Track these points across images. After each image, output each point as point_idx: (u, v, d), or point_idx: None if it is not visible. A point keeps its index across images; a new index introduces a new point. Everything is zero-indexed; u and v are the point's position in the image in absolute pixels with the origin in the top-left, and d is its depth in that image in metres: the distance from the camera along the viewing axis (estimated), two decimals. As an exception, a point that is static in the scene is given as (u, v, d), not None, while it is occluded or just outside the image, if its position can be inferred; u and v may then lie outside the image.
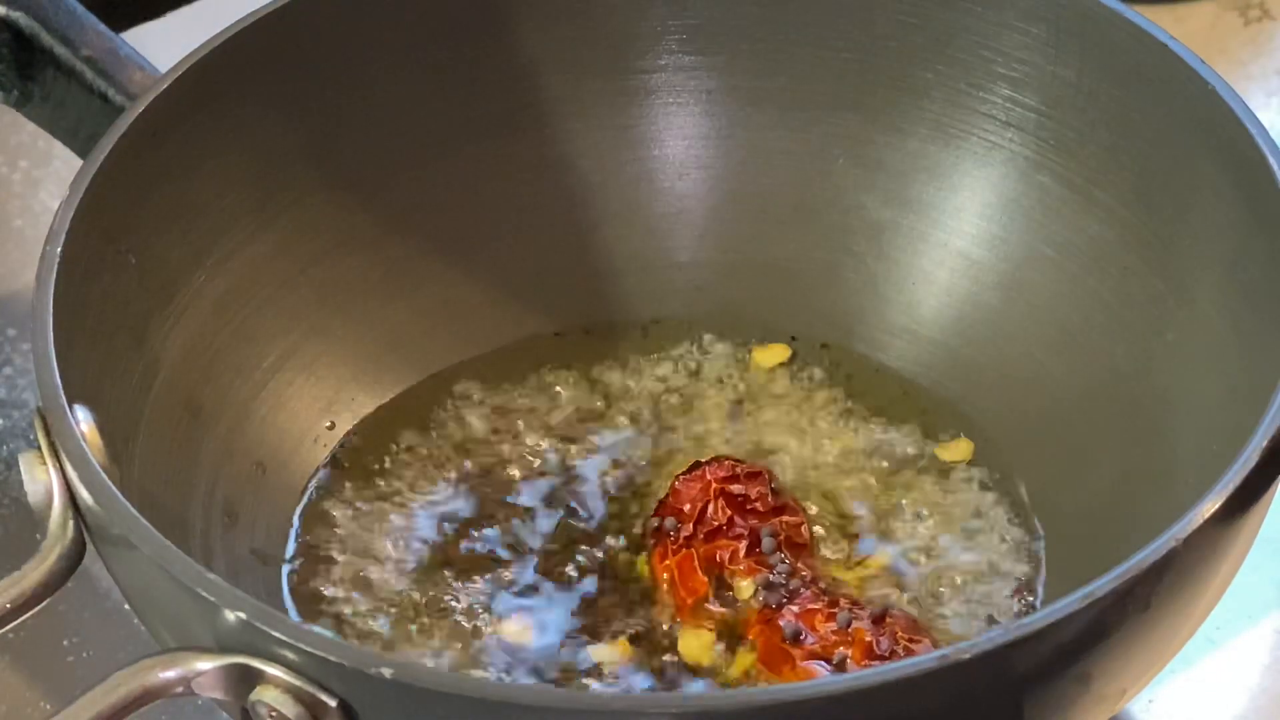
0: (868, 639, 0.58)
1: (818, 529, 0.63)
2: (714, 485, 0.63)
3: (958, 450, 0.65)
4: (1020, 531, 0.63)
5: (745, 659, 0.60)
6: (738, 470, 0.63)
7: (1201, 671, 0.64)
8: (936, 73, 0.67)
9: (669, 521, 0.62)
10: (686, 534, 0.62)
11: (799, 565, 0.61)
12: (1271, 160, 0.57)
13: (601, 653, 0.60)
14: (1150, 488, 0.59)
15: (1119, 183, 0.64)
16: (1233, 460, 0.51)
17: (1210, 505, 0.50)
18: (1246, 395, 0.54)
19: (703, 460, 0.64)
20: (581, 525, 0.64)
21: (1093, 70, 0.64)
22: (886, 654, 0.58)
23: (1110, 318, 0.64)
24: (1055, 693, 0.50)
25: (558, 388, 0.68)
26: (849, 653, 0.58)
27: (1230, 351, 0.59)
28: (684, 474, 0.64)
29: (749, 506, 0.62)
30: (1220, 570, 0.52)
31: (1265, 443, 0.51)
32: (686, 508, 0.62)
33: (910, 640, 0.58)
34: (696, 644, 0.60)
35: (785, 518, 0.62)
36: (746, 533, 0.62)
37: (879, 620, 0.59)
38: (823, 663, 0.58)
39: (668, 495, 0.63)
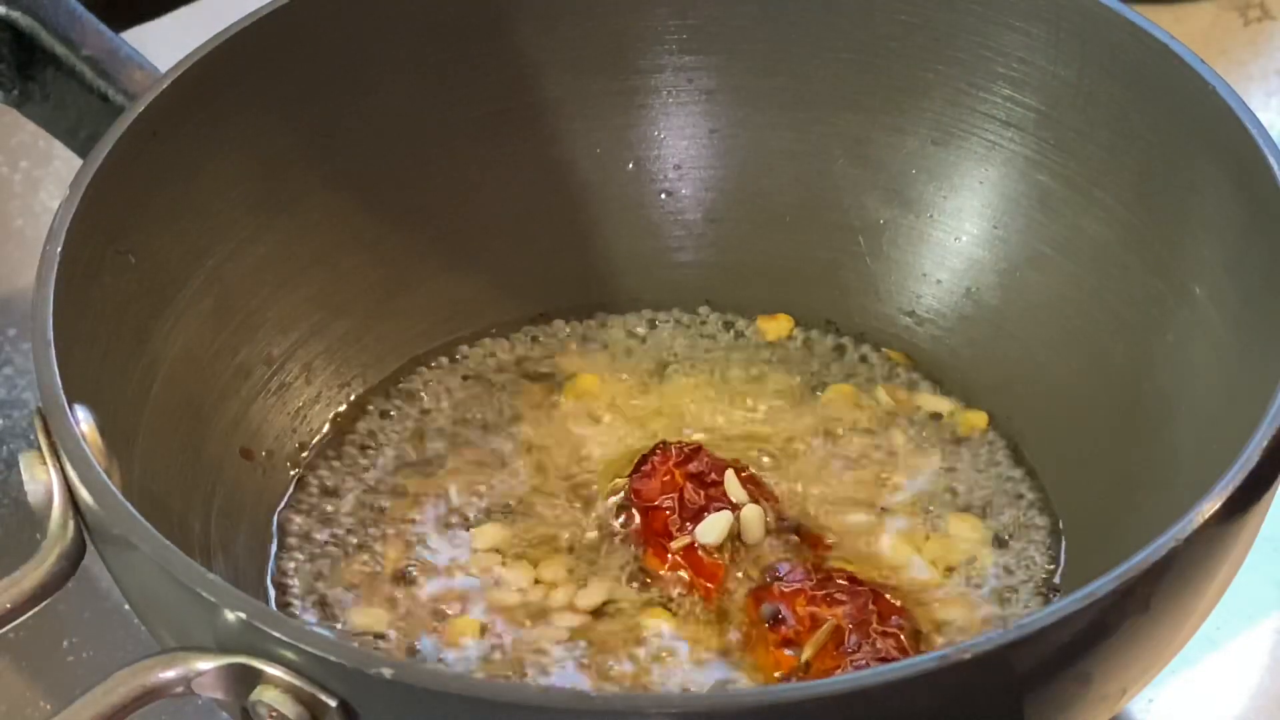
0: (841, 627, 0.58)
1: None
2: (675, 471, 0.62)
3: (973, 419, 0.66)
4: (1027, 530, 0.63)
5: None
6: (684, 449, 0.63)
7: (1201, 671, 0.64)
8: (937, 72, 0.67)
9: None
10: (675, 526, 0.62)
11: (800, 541, 0.61)
12: (1271, 160, 0.57)
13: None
14: (1150, 487, 0.59)
15: (1119, 183, 0.64)
16: (1233, 460, 0.51)
17: (1210, 505, 0.50)
18: (1246, 395, 0.54)
19: (646, 453, 0.64)
20: (583, 519, 0.64)
21: (1093, 70, 0.64)
22: (854, 649, 0.58)
23: (1110, 318, 0.64)
24: (1055, 693, 0.50)
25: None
26: (815, 638, 0.58)
27: (1230, 351, 0.59)
28: (634, 472, 0.63)
29: (711, 479, 0.62)
30: (1220, 570, 0.52)
31: (1265, 443, 0.51)
32: (661, 501, 0.62)
33: (884, 632, 0.58)
34: None
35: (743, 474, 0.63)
36: (729, 505, 0.61)
37: (865, 603, 0.58)
38: (793, 649, 0.58)
39: (629, 495, 0.63)
